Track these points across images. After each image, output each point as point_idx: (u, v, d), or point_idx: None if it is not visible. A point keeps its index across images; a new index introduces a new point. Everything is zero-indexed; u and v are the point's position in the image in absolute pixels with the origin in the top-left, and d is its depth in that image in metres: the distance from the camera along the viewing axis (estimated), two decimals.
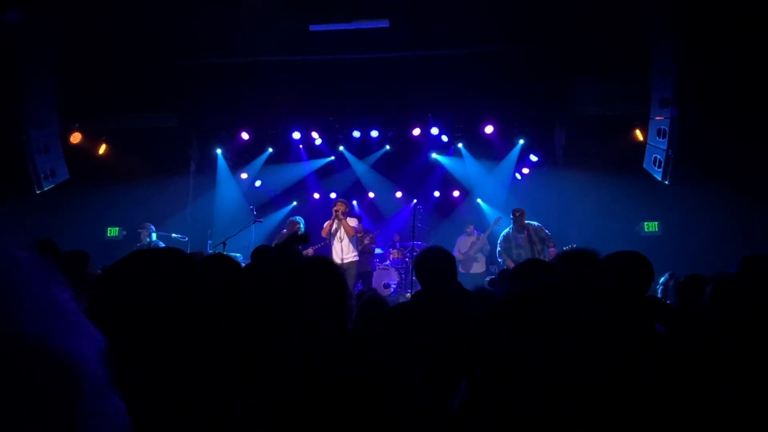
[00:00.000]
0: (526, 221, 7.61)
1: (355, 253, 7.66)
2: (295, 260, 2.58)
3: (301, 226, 8.18)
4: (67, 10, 7.72)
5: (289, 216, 10.53)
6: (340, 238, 7.65)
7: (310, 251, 8.20)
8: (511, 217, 7.65)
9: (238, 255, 6.83)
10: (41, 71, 8.38)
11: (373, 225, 10.87)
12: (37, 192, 8.65)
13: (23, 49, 7.93)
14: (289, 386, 1.71)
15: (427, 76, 9.02)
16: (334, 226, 7.69)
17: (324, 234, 7.82)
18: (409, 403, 1.94)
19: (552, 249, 7.36)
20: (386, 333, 2.39)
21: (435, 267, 2.51)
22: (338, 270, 2.09)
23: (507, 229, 7.79)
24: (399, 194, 10.98)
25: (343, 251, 7.57)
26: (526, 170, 10.26)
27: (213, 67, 9.21)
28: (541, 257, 7.35)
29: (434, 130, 10.13)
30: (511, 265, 7.53)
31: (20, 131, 8.32)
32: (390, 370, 2.00)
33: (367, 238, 8.26)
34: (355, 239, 7.72)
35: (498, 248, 7.83)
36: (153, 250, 1.19)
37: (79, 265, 3.03)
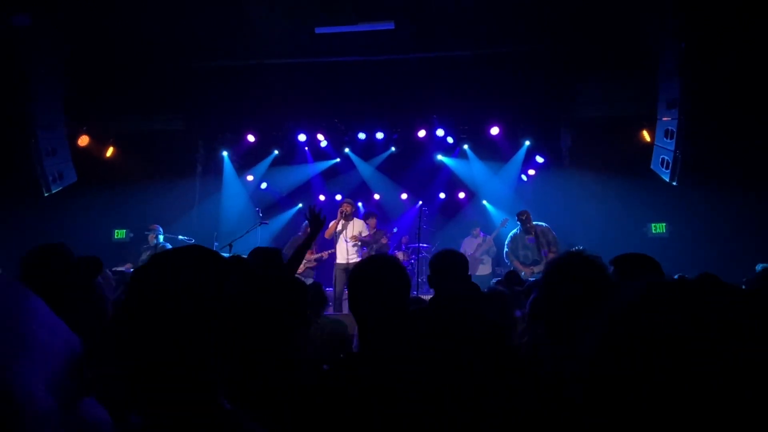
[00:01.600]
0: (534, 222, 7.59)
1: (360, 254, 7.73)
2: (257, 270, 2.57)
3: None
4: (73, 14, 7.77)
5: (296, 218, 10.57)
6: (346, 238, 7.68)
7: (325, 255, 8.19)
8: (517, 220, 7.63)
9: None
10: (49, 74, 8.45)
11: (379, 226, 10.87)
12: (45, 194, 8.71)
13: (31, 53, 8.00)
14: (294, 387, 1.70)
15: (432, 77, 9.01)
16: (339, 227, 7.73)
17: (328, 235, 7.83)
18: (420, 406, 1.92)
19: (551, 254, 7.30)
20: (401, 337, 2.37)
21: (451, 269, 2.47)
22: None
23: (514, 231, 7.77)
24: (404, 196, 10.97)
25: (348, 251, 7.62)
26: (532, 172, 10.22)
27: (219, 70, 9.26)
28: (548, 259, 7.32)
29: (439, 132, 10.12)
30: (519, 266, 7.51)
31: (28, 134, 8.38)
32: (402, 373, 1.98)
33: (384, 237, 8.25)
34: (360, 242, 7.79)
35: (506, 249, 7.81)
36: (179, 249, 1.19)
37: (91, 272, 3.04)
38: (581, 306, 1.87)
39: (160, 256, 1.14)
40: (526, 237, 7.56)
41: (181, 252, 1.16)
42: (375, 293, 1.79)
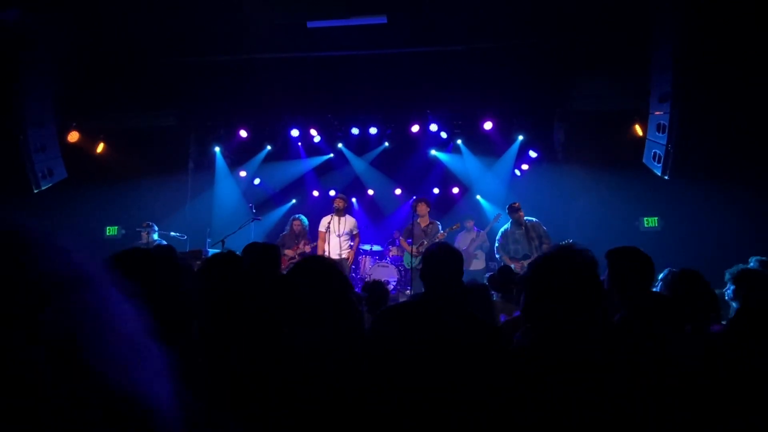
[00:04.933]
0: (525, 218, 7.64)
1: (349, 250, 7.80)
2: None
3: (304, 223, 8.18)
4: (64, 9, 7.68)
5: (289, 214, 10.53)
6: (338, 233, 7.70)
7: (307, 248, 8.20)
8: (509, 209, 7.68)
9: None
10: (39, 70, 8.35)
11: (372, 222, 10.88)
12: (35, 191, 8.63)
13: (21, 48, 7.89)
14: (285, 385, 1.69)
15: (425, 72, 8.98)
16: (333, 222, 7.76)
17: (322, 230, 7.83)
18: (408, 401, 1.92)
19: (545, 246, 7.39)
20: (387, 331, 2.36)
21: (440, 264, 2.41)
22: (338, 266, 2.08)
23: (505, 226, 7.82)
24: (398, 191, 10.97)
25: (341, 246, 7.68)
26: (525, 166, 10.23)
27: (211, 65, 9.18)
28: (538, 252, 7.36)
29: (433, 127, 10.10)
30: (508, 261, 7.54)
31: (18, 130, 8.28)
32: (391, 369, 1.97)
33: (441, 234, 7.81)
34: (351, 236, 7.83)
35: (496, 244, 7.86)
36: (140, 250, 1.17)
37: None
38: (572, 300, 1.86)
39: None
40: (516, 231, 7.63)
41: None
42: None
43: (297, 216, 8.32)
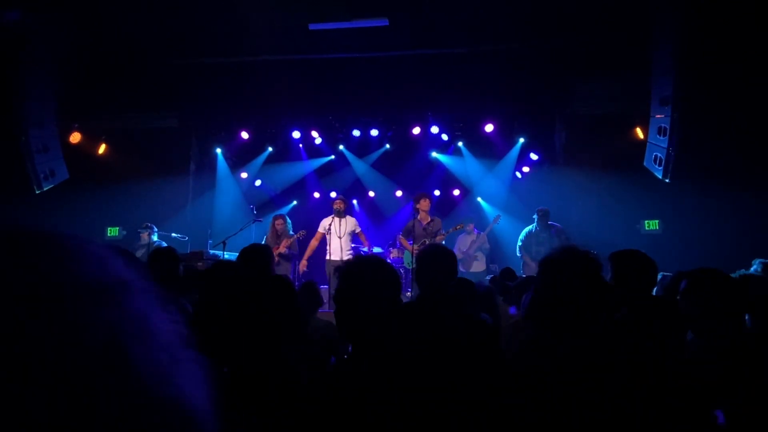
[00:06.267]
0: (550, 222, 7.75)
1: (351, 251, 7.76)
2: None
3: (288, 224, 7.90)
4: (64, 9, 7.70)
5: (290, 215, 10.46)
6: (340, 235, 7.68)
7: (284, 250, 7.89)
8: (537, 216, 7.90)
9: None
10: (40, 71, 8.37)
11: (373, 224, 10.87)
12: (37, 192, 8.64)
13: (23, 49, 7.91)
14: (284, 385, 1.69)
15: (426, 74, 8.99)
16: (334, 224, 7.73)
17: (322, 231, 7.79)
18: (406, 401, 1.91)
19: None
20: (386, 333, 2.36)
21: (433, 265, 2.43)
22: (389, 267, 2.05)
23: (531, 227, 7.91)
24: (399, 193, 10.96)
25: (342, 249, 7.63)
26: (526, 169, 10.23)
27: (213, 67, 9.20)
28: None
29: (434, 129, 10.11)
30: (529, 261, 7.59)
31: (19, 131, 8.30)
32: (389, 369, 1.97)
33: (442, 233, 7.47)
34: (353, 235, 7.77)
35: (518, 243, 7.96)
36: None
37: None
38: (580, 301, 1.86)
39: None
40: (541, 233, 7.77)
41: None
42: (367, 293, 1.78)
43: (279, 214, 7.98)
